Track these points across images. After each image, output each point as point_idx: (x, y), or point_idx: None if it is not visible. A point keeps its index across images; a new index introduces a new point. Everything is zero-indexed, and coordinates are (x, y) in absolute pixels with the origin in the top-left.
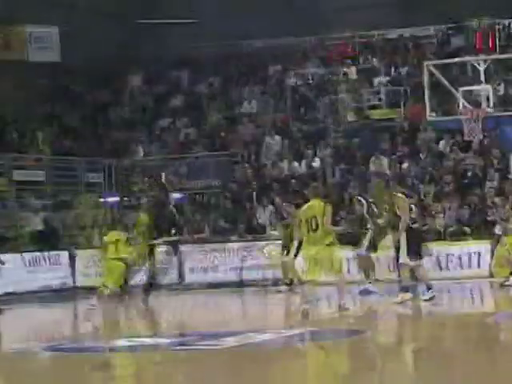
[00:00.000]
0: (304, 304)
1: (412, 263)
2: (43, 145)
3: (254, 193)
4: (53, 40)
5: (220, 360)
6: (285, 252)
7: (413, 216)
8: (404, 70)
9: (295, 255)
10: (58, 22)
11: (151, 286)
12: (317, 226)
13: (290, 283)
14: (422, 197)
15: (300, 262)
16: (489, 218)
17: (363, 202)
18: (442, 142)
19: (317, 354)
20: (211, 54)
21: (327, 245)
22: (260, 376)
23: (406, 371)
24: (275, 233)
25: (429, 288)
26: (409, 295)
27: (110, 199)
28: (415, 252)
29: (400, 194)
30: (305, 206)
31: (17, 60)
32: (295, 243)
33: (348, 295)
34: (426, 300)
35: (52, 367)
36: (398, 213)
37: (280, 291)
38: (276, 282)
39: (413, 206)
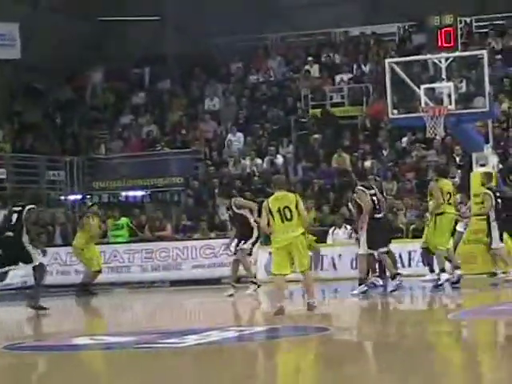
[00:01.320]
0: (278, 301)
1: (372, 252)
2: (4, 142)
3: (216, 190)
4: (14, 37)
5: (180, 358)
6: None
7: (377, 207)
8: (366, 68)
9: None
10: (18, 19)
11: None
12: (291, 215)
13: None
14: (384, 194)
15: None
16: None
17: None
18: (404, 140)
19: (278, 351)
20: (173, 52)
21: (302, 233)
22: (218, 374)
23: (365, 369)
24: None
25: (393, 277)
26: (363, 288)
27: (72, 197)
28: (379, 241)
29: (360, 187)
30: (272, 197)
31: None
32: (254, 236)
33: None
34: (392, 291)
35: (12, 366)
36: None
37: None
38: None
39: (375, 197)
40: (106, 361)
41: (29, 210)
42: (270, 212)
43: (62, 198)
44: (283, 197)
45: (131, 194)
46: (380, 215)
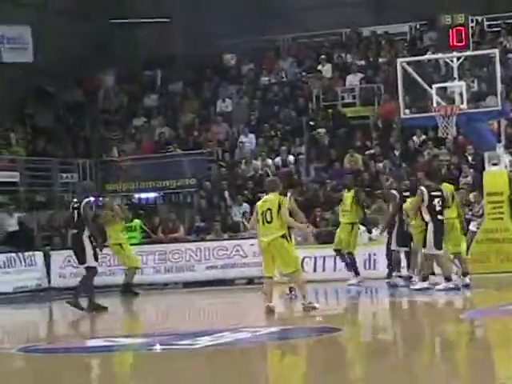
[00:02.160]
0: (267, 301)
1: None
2: (17, 146)
3: (226, 191)
4: (25, 40)
5: (193, 360)
6: None
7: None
8: (378, 68)
9: None
10: (30, 23)
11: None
12: (271, 218)
13: None
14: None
15: None
16: (466, 216)
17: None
18: (415, 139)
19: (290, 352)
20: (185, 53)
21: (281, 236)
22: (233, 375)
23: (378, 369)
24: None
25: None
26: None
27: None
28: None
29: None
30: (261, 201)
31: None
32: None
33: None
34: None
35: (27, 368)
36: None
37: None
38: (251, 281)
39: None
40: (120, 363)
41: (85, 203)
42: (257, 215)
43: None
44: (268, 200)
45: (144, 195)
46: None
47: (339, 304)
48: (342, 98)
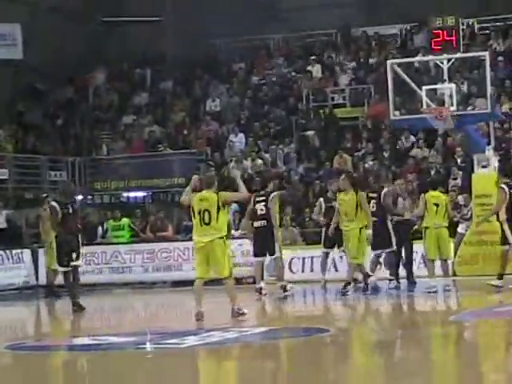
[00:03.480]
0: (197, 305)
1: None
2: (6, 142)
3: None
4: (15, 37)
5: (179, 359)
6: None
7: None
8: (368, 69)
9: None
10: (21, 20)
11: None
12: (209, 219)
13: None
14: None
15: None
16: (454, 219)
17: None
18: (405, 141)
19: (278, 352)
20: (175, 52)
21: (219, 238)
22: (218, 374)
23: (367, 369)
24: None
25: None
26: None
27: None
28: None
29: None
30: (197, 196)
31: None
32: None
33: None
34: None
35: (14, 366)
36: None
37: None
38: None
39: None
40: (107, 361)
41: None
42: (193, 212)
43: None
44: (205, 198)
45: (133, 194)
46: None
47: (328, 305)
48: (332, 99)
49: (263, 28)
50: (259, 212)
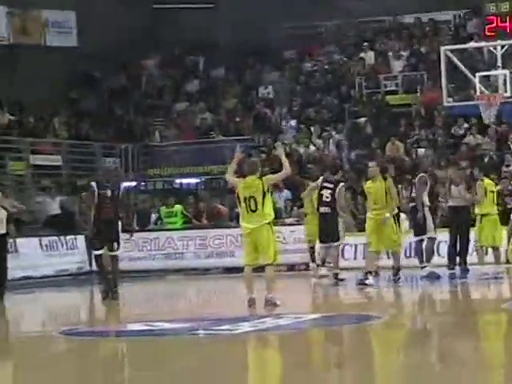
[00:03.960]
0: (248, 292)
1: None
2: (60, 129)
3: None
4: (70, 25)
5: (233, 345)
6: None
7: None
8: (421, 55)
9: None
10: (75, 7)
11: None
12: (256, 206)
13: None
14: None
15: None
16: (508, 206)
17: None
18: (458, 128)
19: (330, 339)
20: (227, 39)
21: (267, 223)
22: (275, 361)
23: (421, 358)
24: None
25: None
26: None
27: (126, 184)
28: None
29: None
30: (241, 183)
31: (34, 45)
32: None
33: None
34: None
35: (69, 351)
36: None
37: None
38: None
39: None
40: (160, 347)
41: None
42: (238, 199)
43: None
44: (250, 185)
45: (185, 181)
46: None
47: (380, 292)
48: (385, 86)
49: (316, 15)
50: (324, 198)
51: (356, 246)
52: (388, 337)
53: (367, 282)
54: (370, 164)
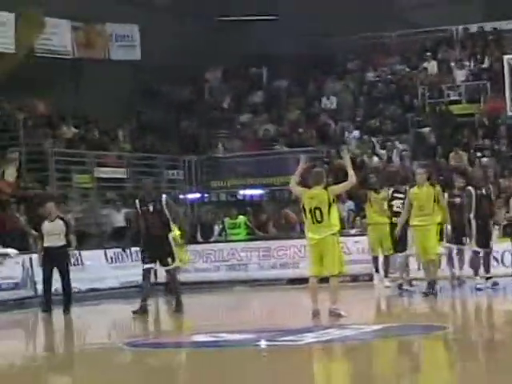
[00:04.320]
0: (312, 303)
1: None
2: (124, 142)
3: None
4: (134, 38)
5: (297, 356)
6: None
7: None
8: (484, 64)
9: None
10: (138, 21)
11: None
12: (321, 217)
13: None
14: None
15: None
16: None
17: None
18: None
19: (395, 349)
20: (291, 50)
21: (332, 234)
22: (341, 373)
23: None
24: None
25: None
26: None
27: (190, 196)
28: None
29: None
30: (307, 194)
31: (98, 58)
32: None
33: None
34: None
35: (132, 363)
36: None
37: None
38: (356, 278)
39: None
40: (225, 358)
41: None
42: (304, 210)
43: (181, 196)
44: (315, 195)
45: (249, 192)
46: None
47: (446, 302)
48: (448, 96)
49: (378, 25)
50: (395, 209)
51: None
52: (459, 347)
53: (432, 291)
54: (419, 171)
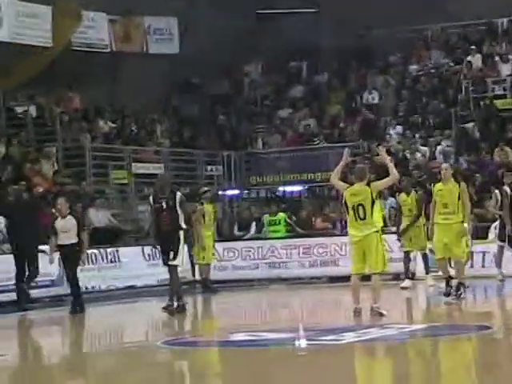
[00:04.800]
0: (354, 302)
1: None
2: (162, 137)
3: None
4: (172, 31)
5: (342, 356)
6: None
7: None
8: None
9: None
10: (177, 14)
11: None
12: (364, 214)
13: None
14: None
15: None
16: None
17: None
18: None
19: (438, 349)
20: (331, 44)
21: (375, 232)
22: (382, 372)
23: None
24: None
25: None
26: None
27: (229, 192)
28: None
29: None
30: (349, 190)
31: (136, 52)
32: None
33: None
34: None
35: (171, 362)
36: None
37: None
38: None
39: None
40: (265, 357)
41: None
42: (346, 207)
43: (220, 193)
44: (357, 192)
45: (288, 188)
46: None
47: (493, 301)
48: (493, 90)
49: (420, 18)
50: None
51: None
52: (505, 347)
53: (460, 293)
54: (444, 166)
